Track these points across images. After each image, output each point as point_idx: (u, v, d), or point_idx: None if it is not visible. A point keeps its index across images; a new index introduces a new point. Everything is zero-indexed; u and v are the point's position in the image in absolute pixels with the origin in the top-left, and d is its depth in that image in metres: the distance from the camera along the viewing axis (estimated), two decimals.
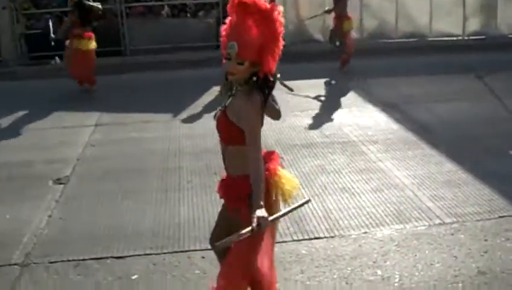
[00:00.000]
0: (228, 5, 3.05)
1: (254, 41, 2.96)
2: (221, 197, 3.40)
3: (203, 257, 4.58)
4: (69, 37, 10.47)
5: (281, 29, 3.04)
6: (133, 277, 4.39)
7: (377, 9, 15.05)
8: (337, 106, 9.29)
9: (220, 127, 3.22)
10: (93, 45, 10.51)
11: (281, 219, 5.05)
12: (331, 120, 8.46)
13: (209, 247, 4.66)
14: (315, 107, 9.27)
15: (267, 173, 3.18)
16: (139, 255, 4.69)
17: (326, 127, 8.06)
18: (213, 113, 3.29)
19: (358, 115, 8.69)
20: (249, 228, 2.89)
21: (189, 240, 4.91)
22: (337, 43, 12.01)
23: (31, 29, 14.16)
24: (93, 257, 4.69)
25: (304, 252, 4.64)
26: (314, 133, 7.83)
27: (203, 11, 15.38)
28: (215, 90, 10.67)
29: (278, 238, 4.74)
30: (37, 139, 8.05)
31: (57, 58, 13.85)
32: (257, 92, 3.10)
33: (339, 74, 11.63)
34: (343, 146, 7.23)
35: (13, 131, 8.61)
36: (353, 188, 5.92)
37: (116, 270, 4.49)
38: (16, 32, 13.99)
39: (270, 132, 7.82)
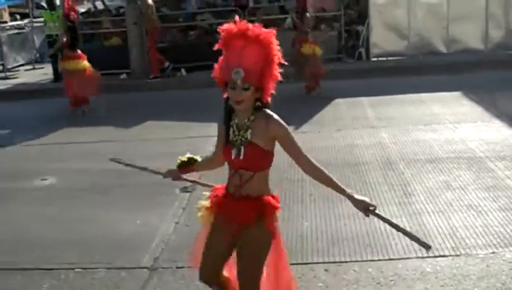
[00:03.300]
0: (223, 36, 3.09)
1: (257, 65, 3.03)
2: (241, 216, 3.24)
3: (326, 270, 4.63)
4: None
5: (278, 54, 3.10)
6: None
7: (502, 19, 14.56)
8: (462, 120, 9.02)
9: (250, 160, 3.18)
10: (81, 65, 11.12)
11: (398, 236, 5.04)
12: (456, 135, 8.24)
13: (332, 260, 4.78)
14: (439, 121, 9.05)
15: None
16: None
17: (451, 142, 7.86)
18: (233, 154, 3.18)
19: (484, 130, 8.41)
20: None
21: (312, 252, 4.97)
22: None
23: (159, 43, 14.77)
24: None
25: (428, 269, 4.56)
26: (439, 147, 7.65)
27: (325, 24, 15.42)
28: (338, 102, 10.74)
29: (402, 254, 4.76)
30: (166, 148, 8.40)
31: (182, 70, 14.41)
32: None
33: (466, 87, 11.26)
34: (469, 162, 7.02)
35: (143, 140, 9.05)
36: (480, 205, 5.75)
37: None
38: (145, 46, 14.65)
39: (393, 145, 7.76)
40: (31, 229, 5.91)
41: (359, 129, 8.81)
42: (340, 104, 10.66)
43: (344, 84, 12.32)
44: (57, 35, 14.44)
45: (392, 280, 4.44)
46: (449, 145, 7.73)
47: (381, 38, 14.69)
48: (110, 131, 9.93)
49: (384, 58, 14.69)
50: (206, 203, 3.46)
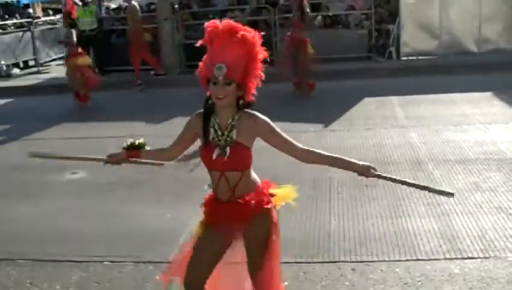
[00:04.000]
0: (207, 34, 3.08)
1: (240, 62, 3.02)
2: (244, 214, 3.22)
3: (353, 269, 4.63)
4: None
5: (262, 53, 3.08)
6: (284, 284, 4.50)
7: None
8: (493, 120, 8.93)
9: (237, 160, 3.15)
10: (85, 61, 11.78)
11: (426, 237, 5.02)
12: (487, 136, 8.15)
13: (359, 259, 4.77)
14: (470, 121, 8.96)
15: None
16: (289, 262, 4.78)
17: (482, 143, 7.78)
18: (215, 155, 3.13)
19: None
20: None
21: (339, 251, 4.96)
22: None
23: (189, 39, 14.84)
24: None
25: (456, 271, 4.52)
26: (469, 148, 7.58)
27: (355, 22, 15.36)
28: (367, 101, 10.70)
29: (430, 255, 4.74)
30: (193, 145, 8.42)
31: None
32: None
33: (497, 88, 11.12)
34: (499, 163, 6.95)
35: (171, 136, 9.10)
36: (510, 208, 5.67)
37: None
38: (176, 42, 14.73)
39: (422, 145, 7.71)
40: (61, 222, 6.00)
41: (388, 129, 8.77)
42: (370, 103, 10.62)
43: (374, 83, 12.27)
44: (90, 30, 14.67)
45: (419, 281, 4.42)
46: (479, 146, 7.65)
47: (412, 37, 14.59)
48: (139, 126, 10.02)
49: (415, 58, 14.59)
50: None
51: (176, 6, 15.82)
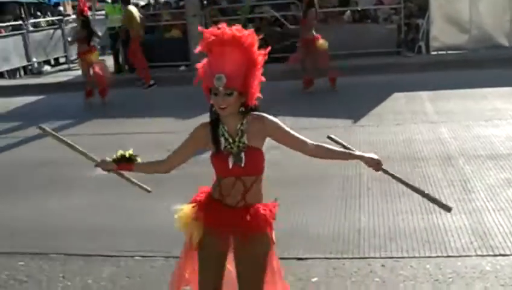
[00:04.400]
0: (202, 44, 3.00)
1: (240, 70, 2.94)
2: (245, 228, 3.12)
3: (383, 265, 4.61)
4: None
5: (261, 54, 3.00)
6: (313, 279, 4.51)
7: None
8: None
9: (253, 165, 3.09)
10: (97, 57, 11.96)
11: (457, 233, 4.97)
12: None
13: (389, 255, 4.75)
14: (501, 116, 8.84)
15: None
16: (319, 258, 4.81)
17: None
18: (231, 163, 3.05)
19: None
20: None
21: (369, 247, 4.94)
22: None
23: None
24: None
25: (488, 268, 4.47)
26: (500, 144, 7.47)
27: (384, 17, 15.25)
28: (396, 96, 10.64)
29: (461, 252, 4.70)
30: None
31: None
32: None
33: None
34: None
35: None
36: None
37: (296, 271, 4.63)
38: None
39: (453, 140, 7.63)
40: (91, 217, 6.07)
41: (418, 124, 8.69)
42: (399, 98, 10.53)
43: (403, 78, 12.18)
44: (119, 27, 14.78)
45: (450, 278, 4.38)
46: (511, 141, 7.55)
47: (442, 32, 14.43)
48: (168, 122, 10.08)
49: (445, 52, 14.43)
50: (189, 210, 3.31)
51: (205, 2, 15.87)
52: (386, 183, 6.28)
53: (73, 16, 22.55)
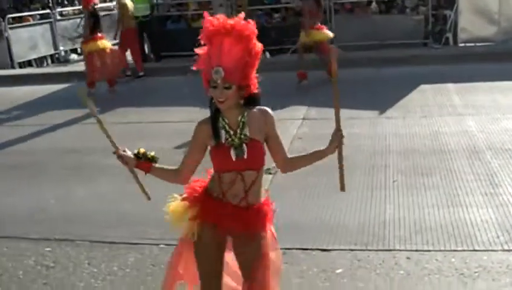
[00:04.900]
0: (201, 34, 2.94)
1: (238, 63, 2.87)
2: (245, 228, 3.08)
3: (408, 258, 4.58)
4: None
5: (258, 46, 2.93)
6: (338, 271, 4.50)
7: None
8: None
9: (255, 157, 3.01)
10: (104, 45, 11.88)
11: (484, 227, 4.92)
12: None
13: (414, 248, 4.71)
14: None
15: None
16: (344, 249, 4.80)
17: None
18: (234, 156, 2.97)
19: None
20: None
21: (394, 239, 4.92)
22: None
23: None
24: (300, 247, 4.89)
25: None
26: None
27: (411, 7, 15.10)
28: (423, 88, 10.54)
29: (487, 246, 4.65)
30: None
31: (267, 53, 14.45)
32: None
33: None
34: None
35: None
36: None
37: (321, 263, 4.63)
38: None
39: (480, 134, 7.54)
40: (117, 205, 6.11)
41: (445, 116, 8.60)
42: (426, 91, 10.42)
43: (430, 70, 12.04)
44: (143, 16, 14.83)
45: (476, 272, 4.34)
46: None
47: (470, 23, 14.20)
48: (194, 112, 10.07)
49: (473, 44, 14.23)
50: (184, 208, 3.25)
51: None
52: (412, 176, 6.26)
53: (100, 5, 22.69)
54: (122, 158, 3.32)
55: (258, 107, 3.06)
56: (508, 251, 4.61)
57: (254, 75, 2.98)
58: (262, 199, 3.16)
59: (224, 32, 2.87)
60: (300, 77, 11.52)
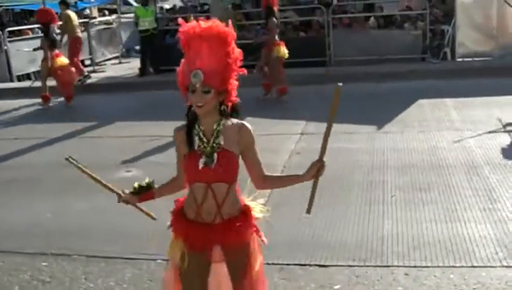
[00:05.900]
0: (183, 37, 2.85)
1: (218, 67, 2.81)
2: (226, 242, 3.03)
3: (406, 274, 4.56)
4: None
5: (237, 50, 2.88)
6: (336, 287, 4.48)
7: None
8: None
9: (225, 169, 2.93)
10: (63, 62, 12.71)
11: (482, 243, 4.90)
12: None
13: (412, 264, 4.69)
14: None
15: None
16: (342, 265, 4.77)
17: None
18: (201, 164, 2.92)
19: None
20: None
21: (393, 255, 4.89)
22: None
23: (241, 39, 14.89)
24: (297, 262, 4.87)
25: None
26: None
27: (409, 22, 15.16)
28: (421, 103, 10.55)
29: (486, 262, 4.63)
30: None
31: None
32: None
33: None
34: None
35: None
36: None
37: (319, 278, 4.61)
38: None
39: (478, 149, 7.54)
40: (114, 219, 6.07)
41: (443, 131, 8.61)
42: (424, 105, 10.44)
43: (428, 85, 12.07)
44: (154, 28, 15.09)
45: (474, 288, 4.32)
46: None
47: (468, 38, 14.24)
48: None
49: (470, 59, 14.26)
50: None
51: (229, 6, 15.90)
52: (411, 191, 6.25)
53: (99, 19, 22.79)
54: (126, 202, 3.44)
55: (236, 120, 2.99)
56: (507, 267, 4.59)
57: (234, 81, 2.92)
58: (240, 208, 3.09)
59: (202, 36, 2.81)
60: (267, 89, 11.71)
